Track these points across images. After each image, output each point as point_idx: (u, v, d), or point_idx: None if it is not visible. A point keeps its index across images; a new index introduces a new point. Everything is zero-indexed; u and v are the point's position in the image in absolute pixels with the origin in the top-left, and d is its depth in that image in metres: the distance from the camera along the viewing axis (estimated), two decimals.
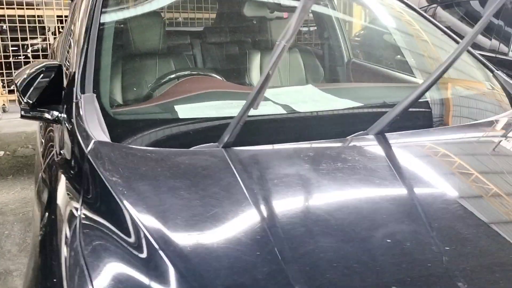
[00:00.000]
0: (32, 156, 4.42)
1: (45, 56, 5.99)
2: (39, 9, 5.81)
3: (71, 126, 1.18)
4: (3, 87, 5.73)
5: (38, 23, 5.80)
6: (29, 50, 6.02)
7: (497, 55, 3.59)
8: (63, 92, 1.37)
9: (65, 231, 0.91)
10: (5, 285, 2.42)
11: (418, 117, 1.40)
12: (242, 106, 1.05)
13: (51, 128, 1.54)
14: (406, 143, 1.23)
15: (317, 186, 1.00)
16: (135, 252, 0.80)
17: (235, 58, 2.26)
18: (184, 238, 0.81)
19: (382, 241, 0.83)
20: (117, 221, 0.87)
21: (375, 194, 1.00)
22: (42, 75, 1.33)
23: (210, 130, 1.24)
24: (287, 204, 0.92)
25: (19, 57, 5.84)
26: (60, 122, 1.31)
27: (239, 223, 0.86)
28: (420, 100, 1.24)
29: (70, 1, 3.21)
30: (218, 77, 1.77)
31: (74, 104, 1.22)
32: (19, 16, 5.59)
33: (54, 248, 0.91)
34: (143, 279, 0.75)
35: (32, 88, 1.31)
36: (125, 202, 0.88)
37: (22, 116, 1.33)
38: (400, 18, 2.24)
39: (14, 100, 5.57)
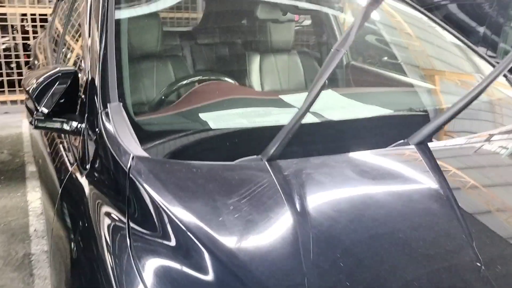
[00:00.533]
0: (8, 162, 4.20)
1: (17, 56, 5.76)
2: (2, 6, 5.56)
3: (100, 139, 1.08)
4: None
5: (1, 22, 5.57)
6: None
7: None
8: (79, 100, 1.27)
9: (112, 249, 0.85)
10: None
11: (457, 127, 1.38)
12: (292, 116, 0.99)
13: (60, 138, 1.44)
14: (450, 153, 1.20)
15: (367, 203, 0.96)
16: (196, 273, 0.76)
17: (241, 59, 2.20)
18: (241, 255, 0.79)
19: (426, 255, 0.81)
20: (174, 240, 0.82)
21: (420, 206, 0.97)
22: (58, 82, 1.22)
23: (247, 141, 1.18)
24: (331, 225, 0.88)
25: None
26: (80, 133, 1.21)
27: (282, 244, 0.83)
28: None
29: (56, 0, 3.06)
30: (233, 81, 1.70)
31: (100, 114, 1.13)
32: None
33: (98, 267, 0.85)
34: None
35: (47, 96, 1.21)
36: (180, 219, 0.84)
37: (36, 127, 1.22)
38: (400, 18, 2.23)
39: None
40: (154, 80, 1.65)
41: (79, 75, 1.29)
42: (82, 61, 1.40)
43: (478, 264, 0.81)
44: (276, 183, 0.97)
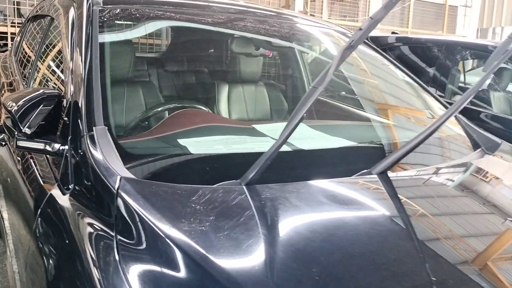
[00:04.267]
0: None
1: None
2: None
3: (85, 161, 1.13)
4: None
5: None
6: None
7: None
8: (62, 122, 1.31)
9: (98, 263, 0.90)
10: None
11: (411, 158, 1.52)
12: (271, 145, 1.08)
13: (33, 159, 1.45)
14: (408, 182, 1.33)
15: (337, 225, 1.06)
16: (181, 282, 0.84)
17: (210, 88, 2.28)
18: (224, 271, 0.87)
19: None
20: (162, 253, 0.88)
21: (383, 228, 1.07)
22: (42, 104, 1.26)
23: (225, 166, 1.26)
24: (296, 242, 0.97)
25: None
26: (61, 155, 1.24)
27: (256, 257, 0.91)
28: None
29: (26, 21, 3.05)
30: (207, 109, 1.78)
31: (86, 137, 1.17)
32: None
33: (86, 281, 0.88)
34: None
35: (31, 117, 1.24)
36: (166, 235, 0.91)
37: (18, 147, 1.24)
38: (358, 57, 2.42)
39: None
40: (125, 105, 1.69)
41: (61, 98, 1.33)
42: (64, 84, 1.44)
43: (430, 280, 0.92)
44: (253, 206, 1.05)
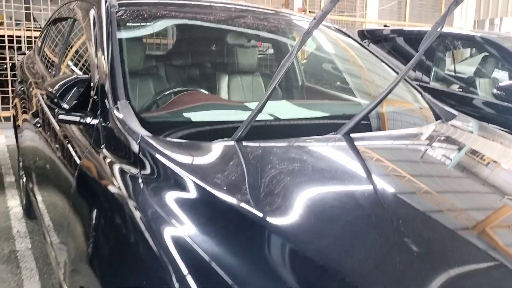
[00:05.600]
0: None
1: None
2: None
3: (113, 126, 1.48)
4: None
5: None
6: None
7: (421, 83, 4.26)
8: (91, 100, 1.66)
9: (128, 193, 1.23)
10: None
11: (371, 124, 1.85)
12: (251, 111, 1.42)
13: (68, 131, 1.80)
14: (363, 141, 1.67)
15: (309, 174, 1.38)
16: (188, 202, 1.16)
17: (211, 78, 2.63)
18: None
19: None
20: (173, 182, 1.22)
21: (346, 175, 1.39)
22: (76, 86, 1.61)
23: (221, 129, 1.61)
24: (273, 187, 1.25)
25: None
26: (92, 125, 1.59)
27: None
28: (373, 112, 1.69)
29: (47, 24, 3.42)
30: (207, 92, 2.14)
31: (112, 109, 1.52)
32: None
33: (122, 207, 1.22)
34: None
35: (68, 96, 1.59)
36: (175, 170, 1.25)
37: (59, 120, 1.60)
38: (344, 49, 2.75)
39: None
40: (138, 88, 2.05)
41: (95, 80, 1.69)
42: (90, 72, 1.79)
43: (391, 220, 1.15)
44: (240, 155, 1.39)
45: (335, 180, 1.33)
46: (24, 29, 6.17)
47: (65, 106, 1.59)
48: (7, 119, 6.09)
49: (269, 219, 1.09)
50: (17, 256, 2.92)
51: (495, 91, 3.51)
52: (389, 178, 1.39)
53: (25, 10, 6.30)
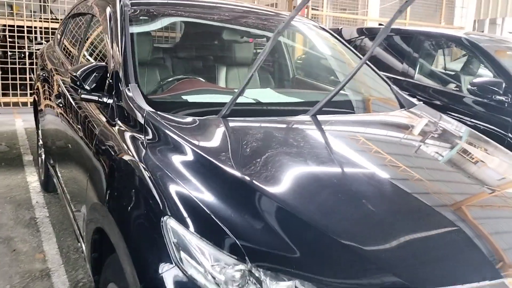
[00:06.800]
0: (6, 152, 4.84)
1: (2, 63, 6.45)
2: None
3: (125, 104, 1.86)
4: None
5: None
6: None
7: (406, 79, 4.61)
8: (107, 83, 2.03)
9: (134, 154, 1.62)
10: (10, 247, 2.93)
11: (339, 107, 2.22)
12: (234, 93, 1.80)
13: (87, 110, 2.18)
14: (330, 121, 2.04)
15: (278, 145, 1.75)
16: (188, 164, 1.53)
17: (211, 69, 3.00)
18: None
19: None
20: (170, 144, 1.60)
21: (314, 150, 1.77)
22: (95, 72, 1.99)
23: (208, 109, 1.99)
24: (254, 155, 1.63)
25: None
26: (107, 104, 1.97)
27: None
28: (341, 99, 2.06)
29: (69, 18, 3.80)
30: (203, 80, 2.52)
31: (124, 90, 1.90)
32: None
33: (128, 164, 1.61)
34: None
35: (89, 80, 1.97)
36: (172, 138, 1.63)
37: (82, 99, 1.98)
38: (328, 46, 3.11)
39: None
40: (147, 75, 2.43)
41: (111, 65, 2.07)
42: (107, 60, 2.17)
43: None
44: (226, 129, 1.77)
45: (299, 149, 1.71)
46: (42, 20, 6.56)
47: (87, 87, 1.97)
48: (24, 104, 6.52)
49: (247, 174, 1.47)
50: (37, 222, 3.33)
51: (469, 86, 3.85)
52: (345, 143, 1.79)
53: (42, 2, 6.70)
